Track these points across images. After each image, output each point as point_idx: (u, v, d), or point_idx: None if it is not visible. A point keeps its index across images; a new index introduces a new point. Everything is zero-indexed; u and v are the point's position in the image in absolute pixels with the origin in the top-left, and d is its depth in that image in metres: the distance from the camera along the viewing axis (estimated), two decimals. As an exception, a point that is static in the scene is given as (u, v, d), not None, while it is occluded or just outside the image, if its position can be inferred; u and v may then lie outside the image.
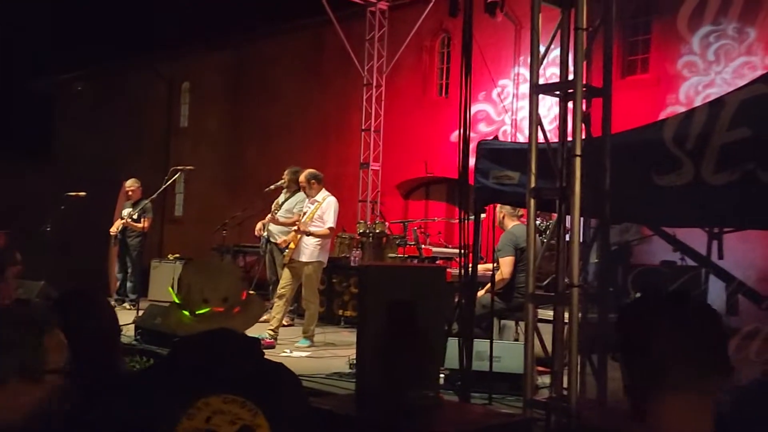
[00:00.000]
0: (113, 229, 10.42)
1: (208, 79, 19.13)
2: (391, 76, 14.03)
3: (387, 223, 10.35)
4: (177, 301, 2.53)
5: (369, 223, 10.70)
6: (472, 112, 13.53)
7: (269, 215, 8.89)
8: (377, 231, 9.90)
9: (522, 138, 11.58)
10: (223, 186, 17.68)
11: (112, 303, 9.63)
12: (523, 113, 12.38)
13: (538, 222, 7.67)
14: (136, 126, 20.10)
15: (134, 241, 10.34)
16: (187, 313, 2.46)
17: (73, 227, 11.19)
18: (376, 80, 13.77)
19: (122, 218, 10.36)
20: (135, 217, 10.16)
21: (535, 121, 4.48)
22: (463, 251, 4.53)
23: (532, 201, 4.46)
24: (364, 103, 13.81)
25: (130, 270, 10.34)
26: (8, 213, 12.45)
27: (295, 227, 7.89)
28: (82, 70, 21.26)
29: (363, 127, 13.84)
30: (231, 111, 18.38)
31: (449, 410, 3.63)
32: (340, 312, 9.55)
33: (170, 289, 2.70)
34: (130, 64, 20.42)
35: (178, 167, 10.05)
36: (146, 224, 10.21)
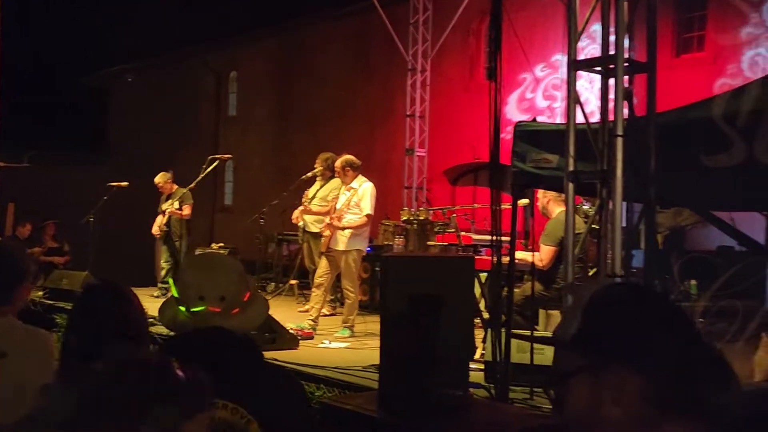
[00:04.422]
0: (155, 230, 10.43)
1: (255, 68, 19.15)
2: (437, 61, 13.75)
3: (431, 210, 10.13)
4: (175, 294, 2.38)
5: (413, 210, 10.50)
6: (516, 95, 13.25)
7: (302, 206, 8.78)
8: (421, 218, 9.70)
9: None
10: (271, 174, 17.67)
11: (155, 294, 9.70)
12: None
13: (586, 207, 7.37)
14: (185, 116, 20.26)
15: (180, 230, 10.37)
16: (183, 309, 2.31)
17: (119, 218, 11.30)
18: (420, 65, 13.52)
19: (162, 213, 10.35)
20: (175, 206, 10.16)
21: (573, 99, 4.22)
22: (494, 239, 4.29)
23: (571, 185, 4.20)
24: (409, 88, 13.58)
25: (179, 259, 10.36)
26: (62, 205, 12.68)
27: (329, 219, 7.72)
28: (133, 62, 21.50)
29: (408, 113, 13.62)
30: (278, 99, 18.37)
31: (478, 411, 3.42)
32: (383, 301, 9.38)
33: (170, 280, 2.55)
34: (178, 55, 20.57)
35: (216, 156, 10.00)
36: (187, 211, 10.22)
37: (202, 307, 2.27)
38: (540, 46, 12.59)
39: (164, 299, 2.50)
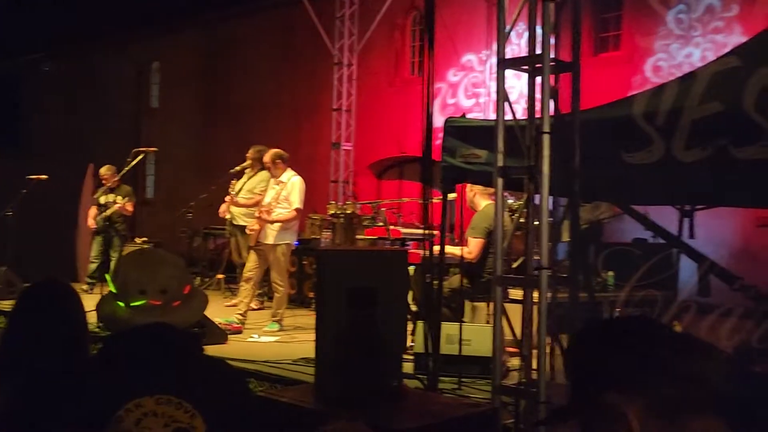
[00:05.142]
0: (91, 222, 10.18)
1: (178, 59, 18.79)
2: (363, 55, 13.81)
3: (359, 204, 10.19)
4: (113, 290, 2.37)
5: (340, 204, 10.54)
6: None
7: (228, 197, 8.71)
8: (348, 212, 9.75)
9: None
10: (194, 167, 17.39)
11: (84, 288, 9.47)
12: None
13: (511, 201, 7.55)
14: (105, 107, 19.71)
15: (121, 227, 10.22)
16: (122, 304, 2.30)
17: (38, 211, 10.95)
18: (347, 59, 13.56)
19: (102, 205, 10.11)
20: (124, 202, 9.98)
21: (501, 97, 4.32)
22: (426, 233, 4.38)
23: (500, 180, 4.31)
24: (335, 82, 13.60)
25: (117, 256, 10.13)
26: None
27: (257, 211, 7.70)
28: (49, 50, 20.79)
29: (334, 107, 13.64)
30: (202, 91, 18.08)
31: (412, 401, 3.49)
32: (311, 294, 9.40)
33: (107, 276, 2.53)
34: (98, 44, 20.00)
35: (141, 149, 9.82)
36: (131, 208, 10.14)
37: (143, 301, 2.26)
38: (465, 43, 12.81)
39: (92, 294, 2.48)
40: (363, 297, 3.36)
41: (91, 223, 10.22)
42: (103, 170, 10.29)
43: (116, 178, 10.11)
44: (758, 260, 9.00)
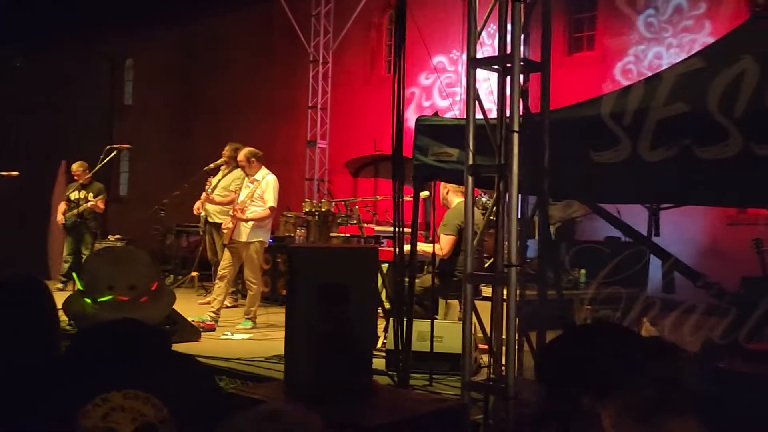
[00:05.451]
0: (59, 218, 10.10)
1: (153, 56, 18.65)
2: (339, 53, 13.82)
3: (334, 202, 10.20)
4: (80, 287, 2.37)
5: (315, 201, 10.54)
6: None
7: (204, 194, 8.69)
8: (323, 210, 9.75)
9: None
10: (169, 165, 17.29)
11: (58, 286, 9.39)
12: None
13: (485, 199, 7.61)
14: (78, 103, 19.51)
15: (93, 224, 10.14)
16: (89, 301, 2.30)
17: (9, 208, 10.85)
18: (322, 57, 13.57)
19: (73, 202, 10.02)
20: (95, 199, 9.90)
21: (472, 96, 4.37)
22: (396, 231, 4.42)
23: (470, 178, 4.36)
24: (311, 80, 13.61)
25: (88, 253, 10.06)
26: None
27: (232, 209, 7.69)
28: (22, 45, 20.52)
29: (310, 105, 13.64)
30: (177, 88, 17.97)
31: (382, 397, 3.53)
32: (285, 292, 9.40)
33: (74, 274, 2.53)
34: (71, 39, 19.79)
35: (114, 146, 9.76)
36: (102, 205, 10.08)
37: (110, 297, 2.27)
38: (441, 42, 12.85)
39: (65, 292, 2.48)
40: (334, 294, 3.39)
41: (59, 218, 10.14)
42: (75, 166, 10.22)
43: (88, 175, 10.03)
44: (727, 258, 9.14)
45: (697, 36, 10.37)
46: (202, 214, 8.91)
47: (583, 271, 7.93)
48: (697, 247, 9.13)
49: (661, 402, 1.34)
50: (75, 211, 9.97)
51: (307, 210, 9.90)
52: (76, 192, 10.02)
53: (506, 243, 4.20)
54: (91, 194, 9.94)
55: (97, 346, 2.12)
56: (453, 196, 6.68)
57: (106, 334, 2.19)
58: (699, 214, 9.26)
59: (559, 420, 1.41)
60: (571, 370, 1.42)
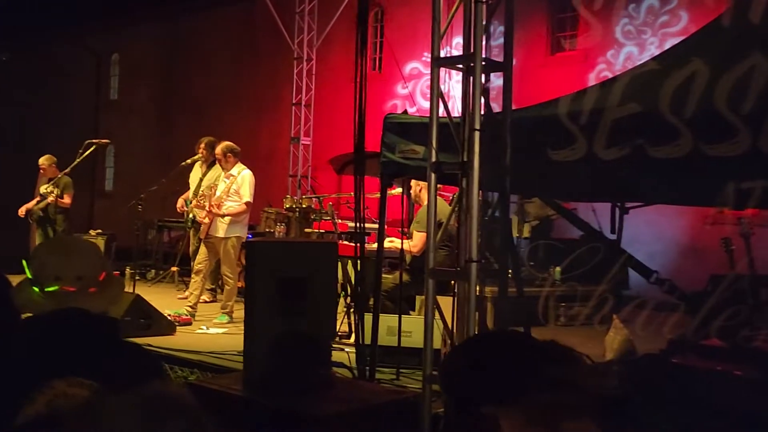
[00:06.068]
0: (22, 211, 10.03)
1: (138, 51, 18.68)
2: (323, 50, 13.88)
3: (314, 198, 10.26)
4: (29, 276, 2.43)
5: (296, 198, 10.61)
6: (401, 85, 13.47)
7: (189, 191, 8.69)
8: (303, 206, 9.83)
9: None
10: (154, 160, 17.32)
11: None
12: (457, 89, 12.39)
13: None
14: (63, 98, 19.51)
15: (59, 218, 10.03)
16: (37, 289, 2.36)
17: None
18: (306, 54, 13.63)
19: (41, 196, 9.99)
20: (57, 193, 9.78)
21: (435, 94, 4.45)
22: (357, 226, 4.50)
23: (433, 176, 4.44)
24: (295, 77, 13.66)
25: None
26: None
27: (207, 204, 7.69)
28: (7, 39, 20.47)
29: (294, 101, 13.70)
30: (162, 84, 18.00)
31: (339, 389, 3.60)
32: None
33: (24, 263, 2.58)
34: (57, 34, 19.77)
35: (93, 140, 9.77)
36: (68, 200, 9.92)
37: (56, 287, 2.33)
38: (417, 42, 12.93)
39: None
40: (292, 287, 3.46)
41: (21, 211, 10.01)
42: (42, 160, 10.11)
43: (54, 169, 9.93)
44: (704, 257, 9.25)
45: (678, 26, 10.47)
46: (190, 216, 8.83)
47: (558, 269, 8.04)
48: (677, 247, 9.24)
49: (558, 406, 1.37)
50: (39, 205, 9.90)
51: (287, 206, 9.97)
52: (45, 186, 9.97)
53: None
54: (57, 190, 9.83)
55: (41, 334, 2.18)
56: (425, 194, 6.75)
57: (50, 323, 2.25)
58: (678, 214, 9.36)
59: (463, 430, 1.47)
60: (470, 380, 1.47)
